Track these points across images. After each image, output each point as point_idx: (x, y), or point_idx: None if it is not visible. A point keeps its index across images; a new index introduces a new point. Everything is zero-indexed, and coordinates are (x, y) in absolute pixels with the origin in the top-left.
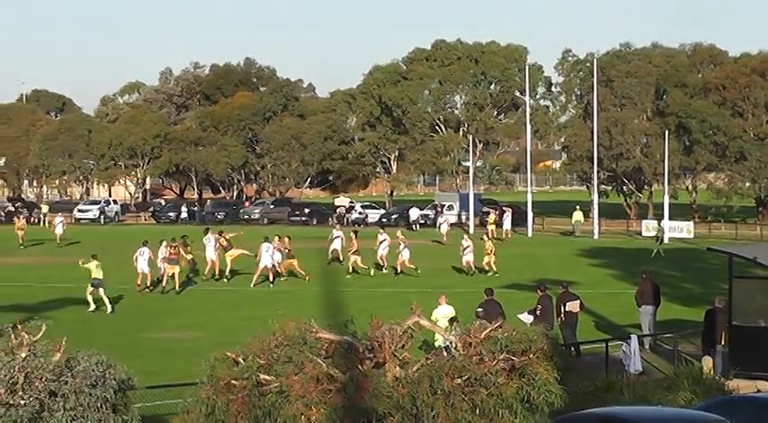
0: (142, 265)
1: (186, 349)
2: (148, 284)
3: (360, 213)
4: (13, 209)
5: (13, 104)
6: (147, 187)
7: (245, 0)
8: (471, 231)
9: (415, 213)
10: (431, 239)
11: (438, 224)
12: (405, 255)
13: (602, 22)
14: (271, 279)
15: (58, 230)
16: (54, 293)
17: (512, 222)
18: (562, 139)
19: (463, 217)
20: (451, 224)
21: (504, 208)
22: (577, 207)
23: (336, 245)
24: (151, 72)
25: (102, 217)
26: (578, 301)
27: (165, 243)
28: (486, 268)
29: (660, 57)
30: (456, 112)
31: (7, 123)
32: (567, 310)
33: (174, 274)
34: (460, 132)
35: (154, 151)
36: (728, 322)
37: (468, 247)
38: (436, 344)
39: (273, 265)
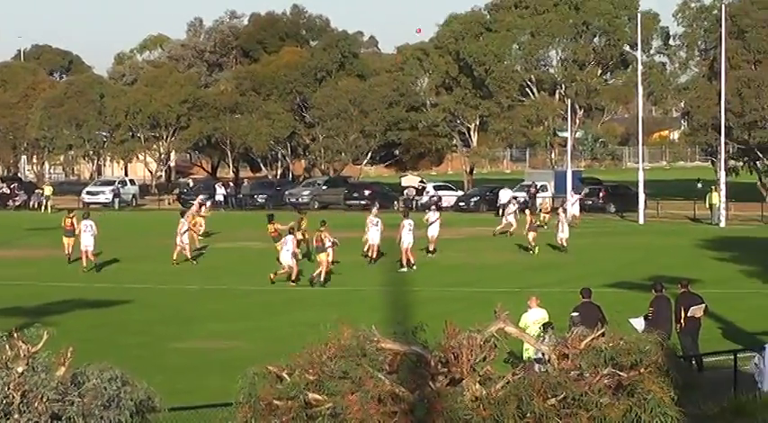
0: (285, 256)
1: (222, 361)
2: (293, 279)
3: (432, 196)
4: (7, 191)
5: (8, 63)
6: (172, 164)
7: None
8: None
9: (505, 195)
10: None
11: (504, 210)
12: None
13: None
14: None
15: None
16: (61, 294)
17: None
18: (682, 104)
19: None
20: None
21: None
22: (713, 188)
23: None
24: (177, 23)
25: (116, 201)
26: (702, 305)
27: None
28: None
29: None
30: (551, 71)
31: (2, 86)
32: (687, 314)
33: (323, 262)
34: (557, 96)
35: (180, 120)
36: None
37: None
38: (525, 355)
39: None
